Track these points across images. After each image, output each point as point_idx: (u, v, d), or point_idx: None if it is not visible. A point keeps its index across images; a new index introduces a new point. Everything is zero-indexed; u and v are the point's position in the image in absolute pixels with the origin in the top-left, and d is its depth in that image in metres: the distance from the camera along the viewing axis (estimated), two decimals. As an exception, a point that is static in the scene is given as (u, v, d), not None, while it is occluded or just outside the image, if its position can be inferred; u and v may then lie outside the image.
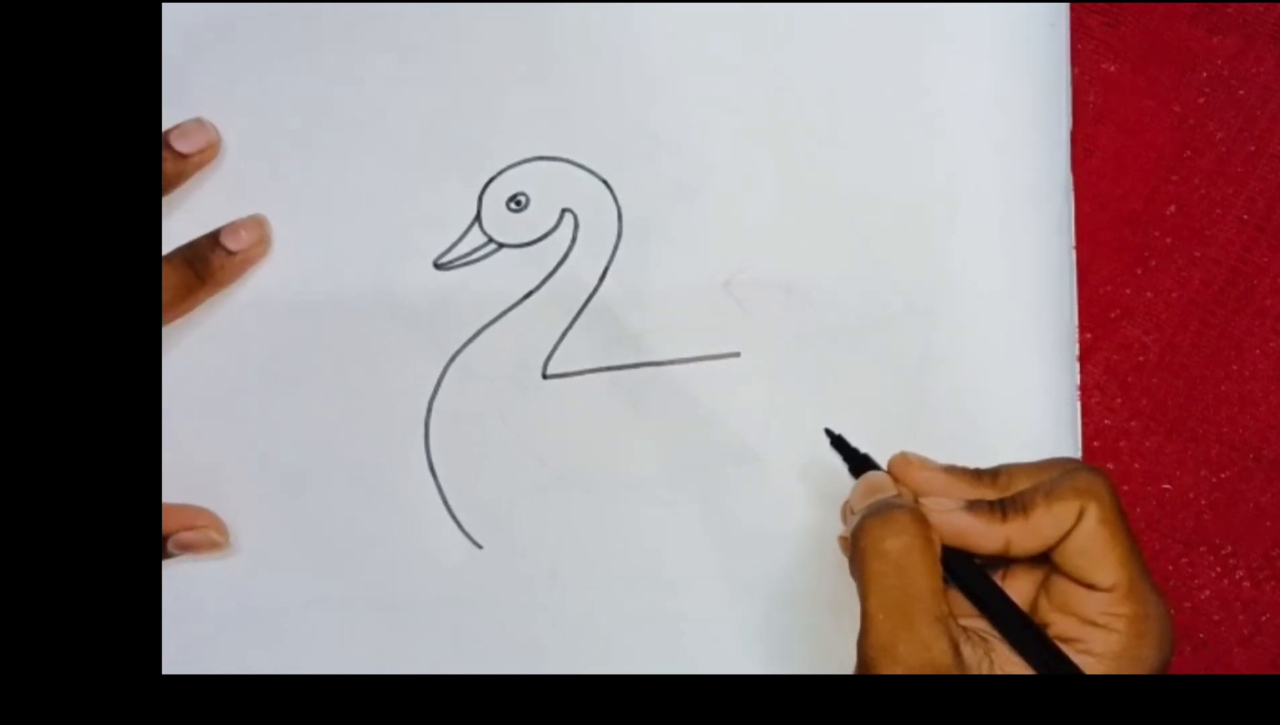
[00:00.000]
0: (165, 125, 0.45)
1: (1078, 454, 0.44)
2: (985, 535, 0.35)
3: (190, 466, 0.44)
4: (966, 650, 0.34)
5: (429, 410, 0.44)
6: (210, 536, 0.43)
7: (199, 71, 0.46)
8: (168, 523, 0.43)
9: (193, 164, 0.45)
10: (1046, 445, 0.43)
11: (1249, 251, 0.47)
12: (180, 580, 0.44)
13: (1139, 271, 0.47)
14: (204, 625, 0.44)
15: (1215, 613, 0.45)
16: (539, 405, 0.44)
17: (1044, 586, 0.36)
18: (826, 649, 0.42)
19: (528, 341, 0.45)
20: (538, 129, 0.46)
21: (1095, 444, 0.45)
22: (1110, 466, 0.45)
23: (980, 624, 0.35)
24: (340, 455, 0.44)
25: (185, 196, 0.46)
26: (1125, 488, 0.45)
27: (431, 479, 0.44)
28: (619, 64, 0.46)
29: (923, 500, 0.36)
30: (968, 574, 0.35)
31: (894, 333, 0.44)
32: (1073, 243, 0.45)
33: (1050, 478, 0.35)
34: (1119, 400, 0.46)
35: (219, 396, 0.45)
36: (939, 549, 0.35)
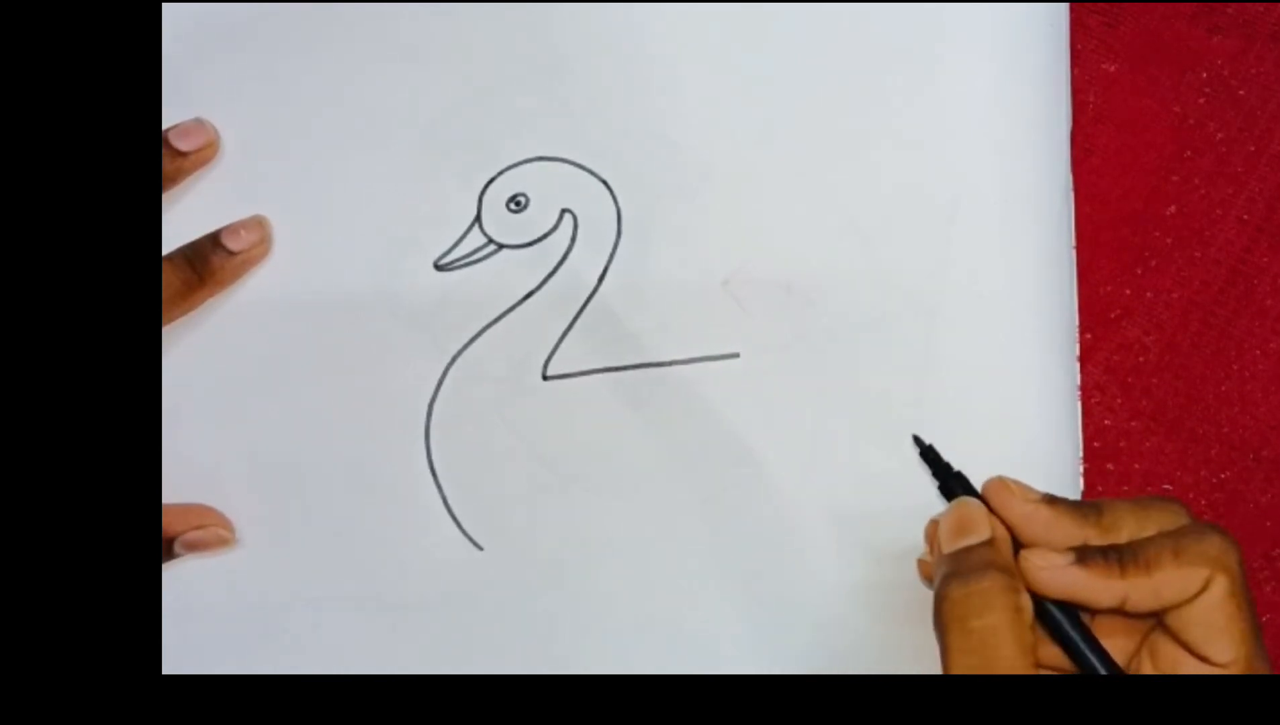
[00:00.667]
0: (165, 125, 0.45)
1: (1078, 454, 0.44)
2: (1100, 592, 0.32)
3: (190, 466, 0.44)
4: None
5: (429, 410, 0.44)
6: (218, 533, 0.43)
7: (199, 71, 0.46)
8: (173, 524, 0.43)
9: (191, 162, 0.45)
10: (1046, 445, 0.43)
11: (1249, 251, 0.47)
12: (180, 580, 0.44)
13: (1139, 271, 0.47)
14: (204, 625, 0.44)
15: (1215, 613, 0.45)
16: (539, 405, 0.44)
17: (1148, 643, 0.34)
18: (827, 649, 0.42)
19: (528, 342, 0.45)
20: (538, 129, 0.46)
21: (1095, 444, 0.45)
22: (1110, 466, 0.45)
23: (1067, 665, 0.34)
24: (340, 455, 0.44)
25: (185, 196, 0.46)
26: (1125, 488, 0.45)
27: (431, 479, 0.44)
28: (619, 64, 0.46)
29: (1025, 555, 0.33)
30: (1065, 632, 0.33)
31: (894, 333, 0.44)
32: (1073, 243, 0.45)
33: (1176, 532, 0.33)
34: (1119, 400, 0.46)
35: (219, 397, 0.45)
36: (1028, 615, 0.32)
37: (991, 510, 0.35)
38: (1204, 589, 0.32)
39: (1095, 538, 0.34)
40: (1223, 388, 0.46)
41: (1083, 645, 0.33)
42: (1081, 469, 0.44)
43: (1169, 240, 0.47)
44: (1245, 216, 0.47)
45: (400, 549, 0.44)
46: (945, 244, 0.44)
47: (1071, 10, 0.46)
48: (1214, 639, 0.32)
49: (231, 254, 0.44)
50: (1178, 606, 0.32)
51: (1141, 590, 0.32)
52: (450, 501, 0.44)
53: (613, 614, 0.43)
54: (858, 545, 0.43)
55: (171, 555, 0.43)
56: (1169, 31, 0.48)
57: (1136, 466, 0.45)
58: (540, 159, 0.46)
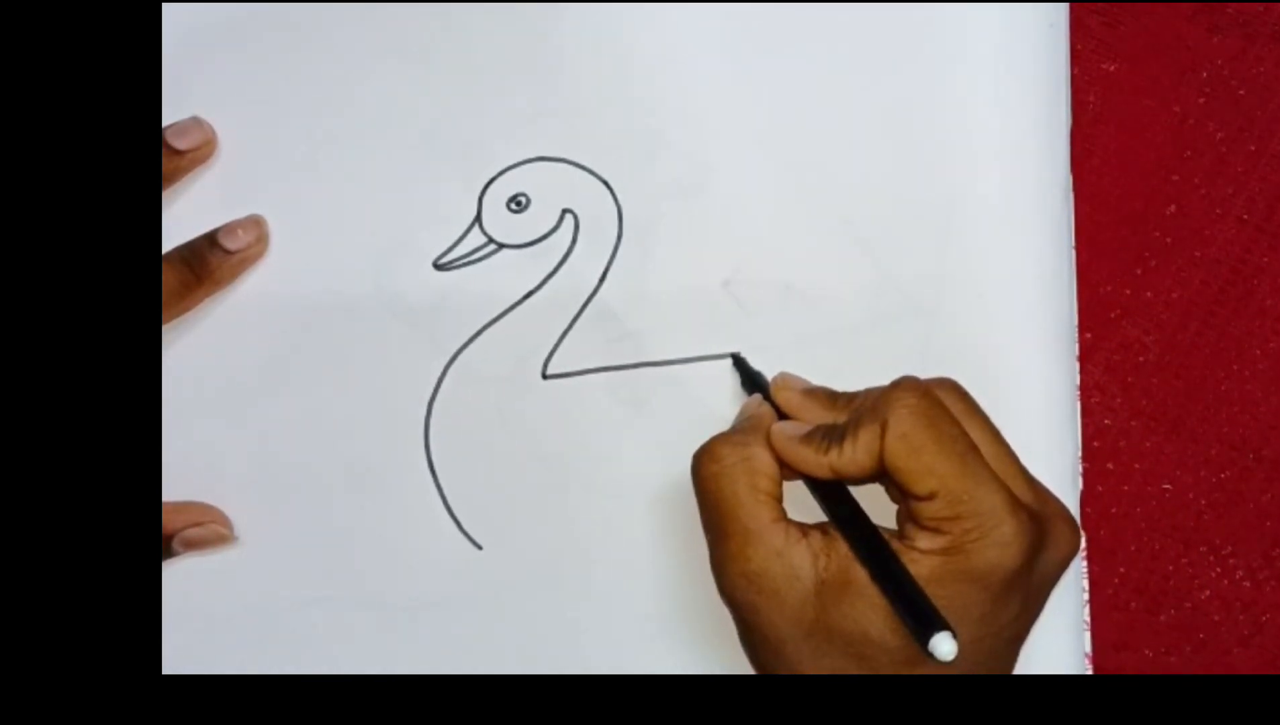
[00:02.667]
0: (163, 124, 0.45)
1: (1077, 454, 0.44)
2: (814, 463, 0.37)
3: (189, 466, 0.44)
4: (796, 551, 0.36)
5: (429, 410, 0.44)
6: (217, 531, 0.43)
7: (199, 71, 0.46)
8: (172, 522, 0.43)
9: (188, 161, 0.45)
10: (1046, 445, 0.43)
11: (1249, 251, 0.47)
12: (180, 579, 0.44)
13: (1139, 271, 0.47)
14: (204, 625, 0.44)
15: (1215, 613, 0.45)
16: (539, 405, 0.44)
17: (904, 504, 0.37)
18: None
19: (528, 341, 0.45)
20: (538, 129, 0.46)
21: (1095, 444, 0.45)
22: (1110, 466, 0.45)
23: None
24: (340, 455, 0.44)
25: (182, 196, 0.46)
26: (1125, 488, 0.45)
27: (431, 479, 0.44)
28: (619, 64, 0.46)
29: (773, 426, 0.38)
30: (808, 480, 0.38)
31: (894, 333, 0.44)
32: (1073, 243, 0.45)
33: (868, 402, 0.37)
34: (1119, 400, 0.46)
35: (217, 397, 0.45)
36: (762, 466, 0.37)
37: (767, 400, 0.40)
38: (882, 439, 0.35)
39: (843, 419, 0.38)
40: (1223, 388, 0.46)
41: (816, 492, 0.38)
42: (1081, 469, 0.44)
43: (1169, 240, 0.47)
44: (1245, 216, 0.47)
45: (400, 549, 0.44)
46: (945, 244, 0.44)
47: (1071, 10, 0.46)
48: (907, 479, 0.35)
49: (229, 253, 0.44)
50: (884, 463, 0.36)
51: (843, 461, 0.36)
52: (450, 501, 0.44)
53: (612, 614, 0.43)
54: (858, 545, 0.43)
55: (170, 553, 0.43)
56: (1169, 31, 0.48)
57: (1136, 466, 0.45)
58: (541, 159, 0.46)
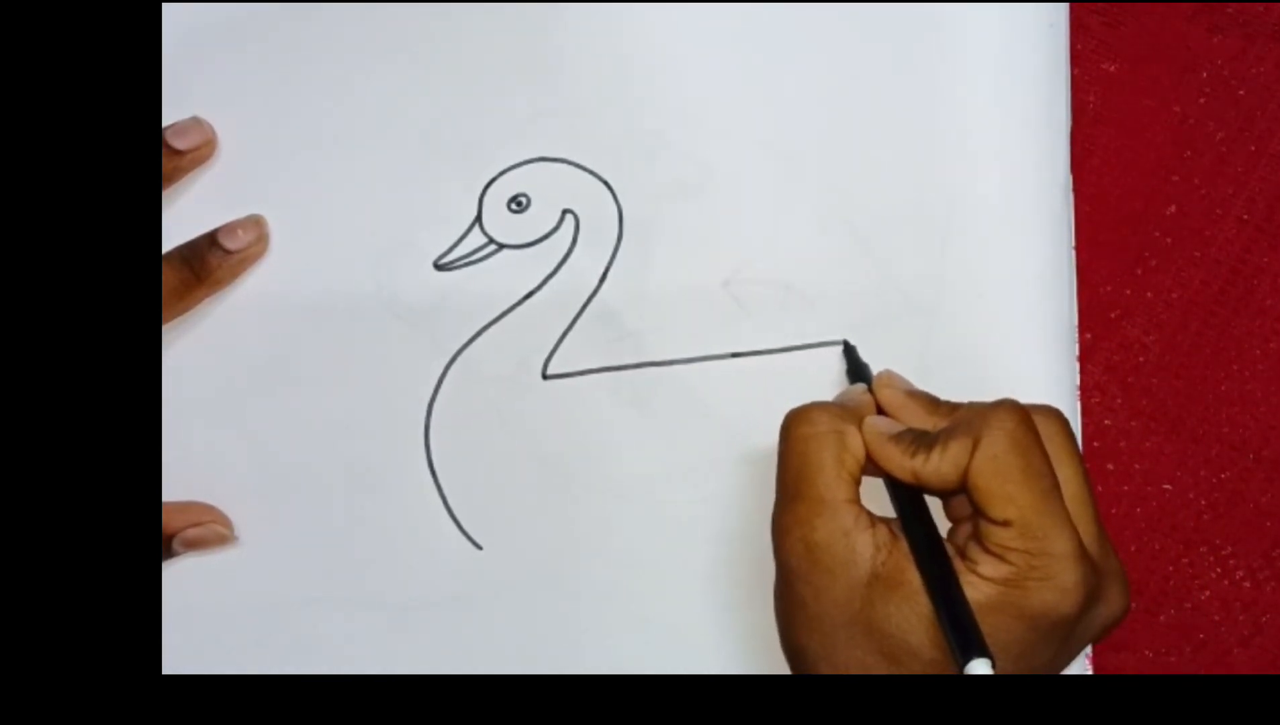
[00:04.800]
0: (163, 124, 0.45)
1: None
2: (898, 465, 0.36)
3: (189, 466, 0.44)
4: (861, 538, 0.35)
5: (429, 410, 0.44)
6: (217, 530, 0.43)
7: (199, 71, 0.46)
8: (172, 521, 0.43)
9: (188, 161, 0.45)
10: (1046, 445, 0.43)
11: (1249, 251, 0.47)
12: (180, 579, 0.44)
13: (1139, 271, 0.47)
14: (204, 624, 0.44)
15: (1215, 613, 0.45)
16: (539, 405, 0.44)
17: (974, 519, 0.37)
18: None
19: (528, 341, 0.45)
20: (538, 129, 0.46)
21: (1095, 444, 0.45)
22: (1110, 466, 0.45)
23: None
24: (340, 455, 0.44)
25: (182, 195, 0.46)
26: (1125, 488, 0.45)
27: (431, 479, 0.44)
28: (619, 64, 0.46)
29: (867, 419, 0.38)
30: (886, 477, 0.37)
31: (894, 333, 0.44)
32: (1073, 243, 0.45)
33: (964, 416, 0.37)
34: (1119, 400, 0.46)
35: (217, 397, 0.45)
36: (854, 444, 0.37)
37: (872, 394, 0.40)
38: (972, 457, 0.35)
39: (940, 427, 0.37)
40: (1223, 388, 0.46)
41: (892, 493, 0.37)
42: (1081, 469, 0.44)
43: (1169, 240, 0.47)
44: (1245, 216, 0.47)
45: (400, 548, 0.44)
46: (945, 244, 0.45)
47: (1071, 10, 0.46)
48: (987, 502, 0.35)
49: (229, 253, 0.44)
50: (966, 479, 0.35)
51: (927, 468, 0.36)
52: (450, 501, 0.44)
53: (612, 614, 0.43)
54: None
55: (171, 553, 0.43)
56: (1169, 31, 0.48)
57: (1136, 466, 0.45)
58: (541, 159, 0.46)
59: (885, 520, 0.37)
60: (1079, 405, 0.44)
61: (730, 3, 0.46)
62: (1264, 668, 0.44)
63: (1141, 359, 0.46)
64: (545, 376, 0.44)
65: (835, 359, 0.44)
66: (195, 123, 0.45)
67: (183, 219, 0.45)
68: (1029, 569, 0.34)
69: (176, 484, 0.43)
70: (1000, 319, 0.44)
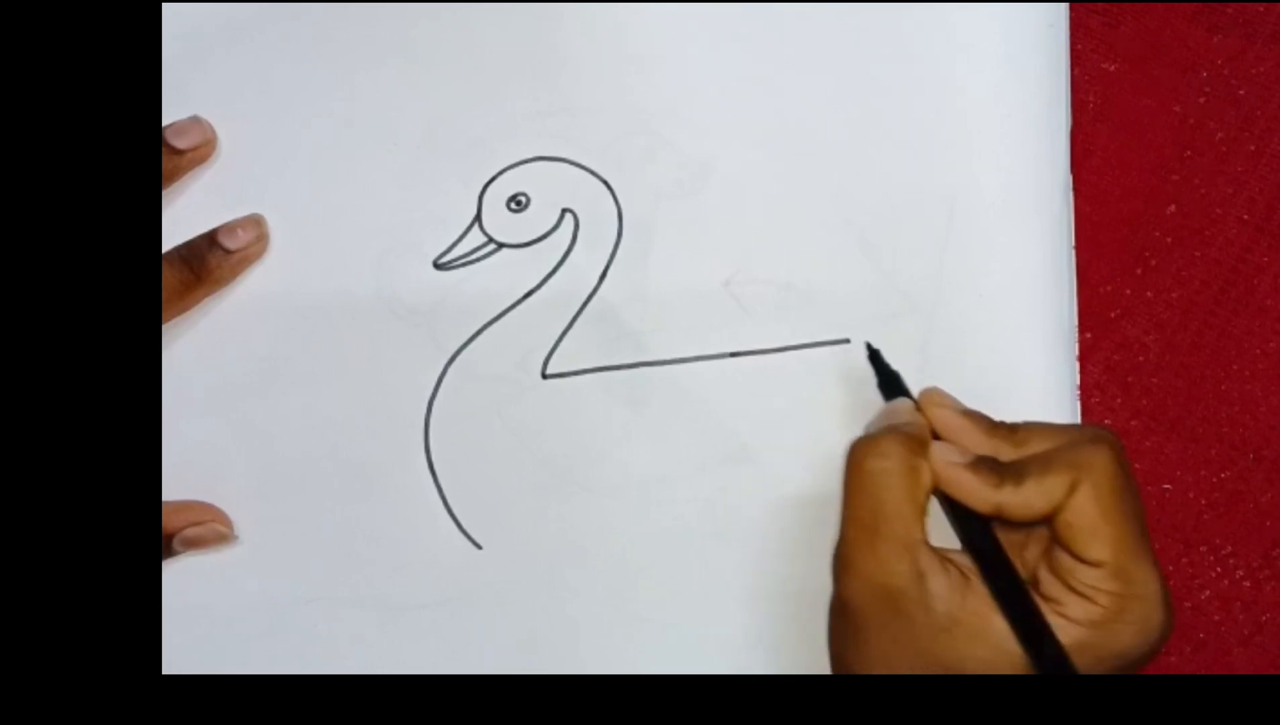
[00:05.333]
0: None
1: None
2: (978, 496, 0.35)
3: (189, 466, 0.44)
4: (937, 580, 0.34)
5: (429, 410, 0.44)
6: (217, 530, 0.43)
7: (198, 71, 0.46)
8: (171, 521, 0.43)
9: (188, 161, 0.45)
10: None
11: (1249, 251, 0.47)
12: (181, 579, 0.44)
13: (1139, 271, 0.47)
14: (204, 624, 0.44)
15: (1215, 613, 0.45)
16: (539, 405, 0.44)
17: (1048, 551, 0.35)
18: (825, 649, 0.42)
19: (528, 341, 0.45)
20: (537, 128, 0.46)
21: (1095, 444, 0.45)
22: (1110, 466, 0.45)
23: (967, 561, 0.35)
24: (340, 455, 0.44)
25: (182, 195, 0.46)
26: (1125, 488, 0.45)
27: (431, 479, 0.44)
28: (619, 64, 0.46)
29: (934, 444, 0.36)
30: (960, 513, 0.35)
31: (894, 332, 0.44)
32: (1073, 243, 0.45)
33: (1055, 448, 0.35)
34: (1119, 400, 0.46)
35: (216, 396, 0.45)
36: (926, 479, 0.35)
37: (920, 412, 0.37)
38: (1069, 495, 0.34)
39: (1006, 451, 0.36)
40: (1223, 388, 0.46)
41: (966, 529, 0.35)
42: (1081, 469, 0.44)
43: (1169, 240, 0.47)
44: (1245, 216, 0.47)
45: (399, 548, 0.44)
46: (945, 244, 0.45)
47: (1071, 10, 0.46)
48: (1082, 541, 0.34)
49: (228, 252, 0.44)
50: (1054, 514, 0.34)
51: (1013, 500, 0.34)
52: (450, 501, 0.44)
53: (611, 614, 0.43)
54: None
55: (170, 552, 0.43)
56: (1169, 31, 0.48)
57: (1136, 466, 0.45)
58: (541, 159, 0.46)
59: (950, 555, 0.35)
60: (1079, 405, 0.44)
61: (730, 2, 0.46)
62: (1264, 668, 0.44)
63: (1141, 359, 0.46)
64: (545, 376, 0.44)
65: (835, 358, 0.44)
66: (195, 122, 0.45)
67: (182, 219, 0.45)
68: (1118, 611, 0.33)
69: (176, 484, 0.43)
70: (1000, 319, 0.44)
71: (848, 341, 0.44)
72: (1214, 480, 0.45)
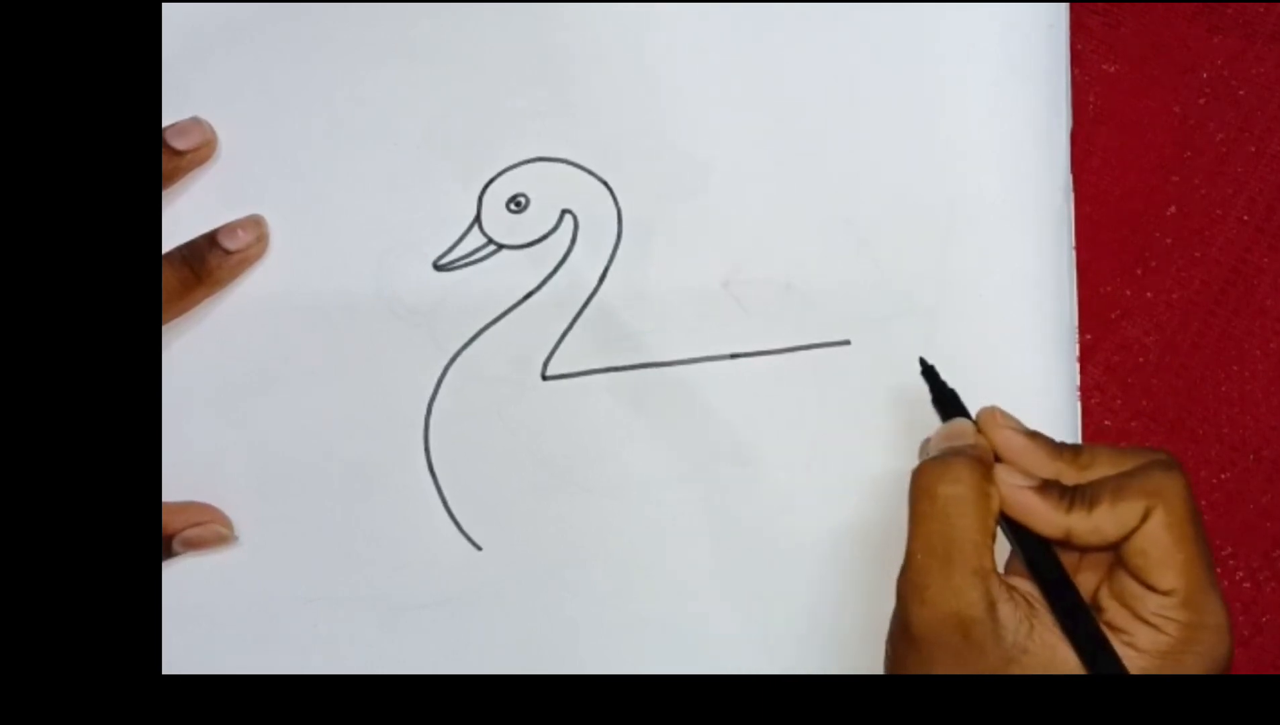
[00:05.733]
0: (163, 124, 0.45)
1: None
2: (1047, 521, 0.34)
3: (189, 466, 0.44)
4: (1005, 609, 0.33)
5: (429, 410, 0.44)
6: (217, 530, 0.43)
7: (198, 71, 0.46)
8: (172, 522, 0.43)
9: (188, 161, 0.45)
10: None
11: (1249, 251, 0.47)
12: (180, 579, 0.44)
13: (1139, 271, 0.47)
14: (204, 624, 0.44)
15: (1215, 613, 0.45)
16: (539, 405, 0.44)
17: (1111, 575, 0.35)
18: (827, 649, 0.42)
19: (528, 342, 0.45)
20: (538, 129, 0.46)
21: (1095, 444, 0.45)
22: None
23: (1033, 589, 0.35)
24: (340, 455, 0.44)
25: (182, 195, 0.46)
26: (1125, 488, 0.45)
27: (431, 479, 0.44)
28: (620, 64, 0.46)
29: (999, 467, 0.35)
30: (1025, 538, 0.35)
31: (894, 332, 0.44)
32: (1073, 243, 0.45)
33: (1126, 472, 0.35)
34: (1119, 400, 0.46)
35: (217, 397, 0.45)
36: (995, 505, 0.35)
37: (981, 434, 0.37)
38: (1143, 521, 0.34)
39: (1070, 475, 0.36)
40: (1223, 388, 0.46)
41: (1033, 556, 0.35)
42: (1081, 469, 0.44)
43: (1169, 240, 0.47)
44: (1245, 216, 0.47)
45: (399, 549, 0.44)
46: (945, 244, 0.45)
47: (1071, 10, 0.46)
48: (1154, 568, 0.33)
49: (229, 253, 0.44)
50: (1124, 540, 0.34)
51: (1083, 525, 0.34)
52: (449, 501, 0.44)
53: (611, 614, 0.43)
54: (856, 545, 0.43)
55: (171, 553, 0.43)
56: (1169, 31, 0.48)
57: (1136, 467, 0.45)
58: (540, 159, 0.46)
59: (1014, 583, 0.35)
60: (1079, 405, 0.44)
61: (730, 3, 0.46)
62: (1264, 668, 0.44)
63: (1141, 359, 0.46)
64: (545, 377, 0.44)
65: (835, 359, 0.44)
66: (195, 123, 0.45)
67: (182, 219, 0.45)
68: (1187, 641, 0.33)
69: (176, 484, 0.43)
70: (1000, 319, 0.44)
71: (848, 342, 0.44)
72: (1214, 481, 0.45)
